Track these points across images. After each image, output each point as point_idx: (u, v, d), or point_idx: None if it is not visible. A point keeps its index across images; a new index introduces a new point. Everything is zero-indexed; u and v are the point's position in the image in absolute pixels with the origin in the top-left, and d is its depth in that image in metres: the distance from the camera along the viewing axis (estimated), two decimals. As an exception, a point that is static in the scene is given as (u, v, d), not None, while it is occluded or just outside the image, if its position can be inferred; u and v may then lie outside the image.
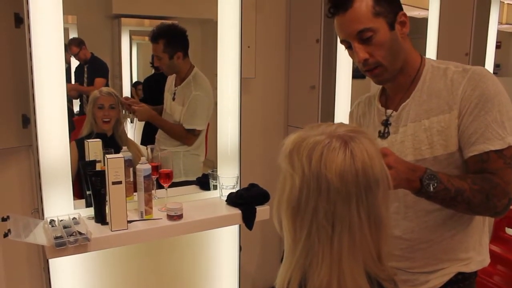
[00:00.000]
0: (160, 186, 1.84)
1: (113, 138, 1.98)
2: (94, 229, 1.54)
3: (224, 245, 2.03)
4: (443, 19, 2.84)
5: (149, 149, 1.92)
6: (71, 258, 1.60)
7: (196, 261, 1.98)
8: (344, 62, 2.32)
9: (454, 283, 1.21)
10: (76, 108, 2.06)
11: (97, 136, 1.90)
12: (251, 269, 2.71)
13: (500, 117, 1.07)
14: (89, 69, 2.05)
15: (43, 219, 1.57)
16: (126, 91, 2.12)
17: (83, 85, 2.06)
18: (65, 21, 1.56)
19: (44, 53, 1.49)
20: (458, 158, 1.13)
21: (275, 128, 2.65)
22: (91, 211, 1.63)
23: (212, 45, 1.96)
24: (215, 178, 1.95)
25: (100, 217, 1.60)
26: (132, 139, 2.10)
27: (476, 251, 1.22)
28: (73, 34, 1.96)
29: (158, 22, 2.11)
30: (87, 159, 1.74)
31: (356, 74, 2.35)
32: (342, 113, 2.36)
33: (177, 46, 2.09)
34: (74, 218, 1.57)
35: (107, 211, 1.59)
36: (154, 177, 1.78)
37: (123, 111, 2.05)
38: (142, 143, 2.13)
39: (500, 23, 3.30)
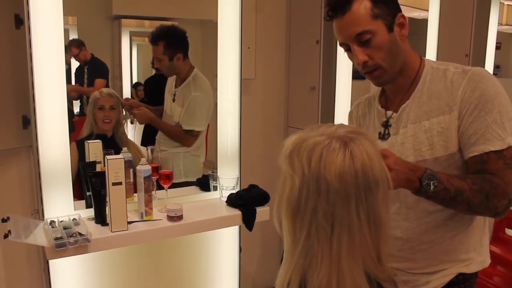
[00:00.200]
0: (160, 187, 1.84)
1: (113, 139, 1.99)
2: (94, 230, 1.54)
3: (224, 246, 2.03)
4: (443, 20, 2.84)
5: (149, 150, 1.92)
6: (71, 259, 1.60)
7: (196, 262, 1.98)
8: (344, 63, 2.32)
9: (454, 284, 1.20)
10: (76, 109, 2.06)
11: (97, 137, 1.90)
12: (251, 270, 2.71)
13: (500, 117, 1.07)
14: (89, 70, 2.06)
15: (43, 220, 1.57)
16: (126, 92, 2.13)
17: (83, 86, 2.07)
18: (65, 22, 1.56)
19: (44, 54, 1.49)
20: (459, 159, 1.13)
21: (275, 129, 2.65)
22: (91, 212, 1.63)
23: (212, 46, 1.96)
24: (215, 179, 1.95)
25: (100, 218, 1.60)
26: (133, 140, 2.10)
27: (476, 251, 1.22)
28: (73, 35, 1.96)
29: (158, 23, 2.11)
30: (87, 160, 1.74)
31: (356, 75, 2.35)
32: (342, 114, 2.36)
33: (177, 47, 2.09)
34: (74, 219, 1.57)
35: (107, 212, 1.59)
36: (154, 178, 1.78)
37: (124, 112, 2.05)
38: (142, 144, 2.13)
39: (500, 24, 3.30)
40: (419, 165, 1.08)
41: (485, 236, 1.26)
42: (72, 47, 1.98)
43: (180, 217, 1.68)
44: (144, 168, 1.63)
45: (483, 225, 1.25)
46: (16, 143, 1.84)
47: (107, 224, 1.59)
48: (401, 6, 1.17)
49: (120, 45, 2.11)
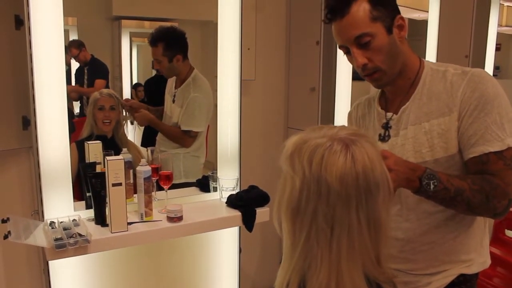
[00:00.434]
0: (160, 188, 1.84)
1: (113, 140, 1.99)
2: (94, 231, 1.54)
3: (224, 247, 2.03)
4: (443, 21, 2.84)
5: (149, 151, 1.92)
6: (71, 260, 1.59)
7: (196, 262, 1.98)
8: (344, 64, 2.32)
9: (455, 285, 1.21)
10: (76, 110, 2.06)
11: (97, 138, 1.90)
12: (251, 271, 2.71)
13: (500, 119, 1.07)
14: (89, 71, 2.06)
15: (43, 220, 1.57)
16: (126, 92, 2.13)
17: (83, 87, 2.07)
18: (65, 23, 1.56)
19: (44, 55, 1.49)
20: (459, 160, 1.13)
21: (275, 130, 2.65)
22: (91, 213, 1.63)
23: (212, 47, 1.96)
24: (215, 180, 1.95)
25: (100, 219, 1.60)
26: (133, 140, 2.10)
27: (477, 252, 1.22)
28: (73, 36, 1.96)
29: (158, 24, 2.12)
30: (87, 161, 1.74)
31: (356, 76, 2.35)
32: (342, 115, 2.36)
33: (176, 48, 2.09)
34: (74, 220, 1.57)
35: (107, 213, 1.59)
36: (154, 179, 1.78)
37: (124, 112, 2.05)
38: (142, 145, 2.13)
39: (499, 25, 3.30)
40: (419, 164, 1.08)
41: (485, 237, 1.26)
42: (72, 48, 1.98)
43: (180, 218, 1.68)
44: (144, 169, 1.63)
45: (483, 226, 1.25)
46: (16, 144, 1.84)
47: (107, 225, 1.58)
48: (401, 8, 1.17)
49: (120, 46, 2.11)
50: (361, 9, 1.09)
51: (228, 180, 1.91)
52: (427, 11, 2.85)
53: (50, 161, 1.55)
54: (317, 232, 0.78)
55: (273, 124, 2.64)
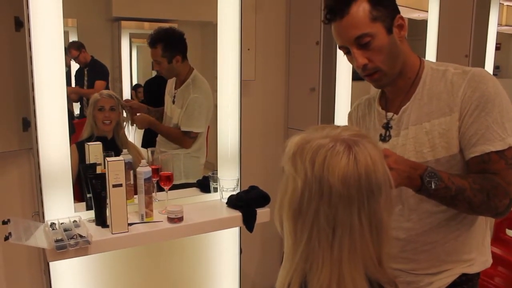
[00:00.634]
0: (160, 189, 1.84)
1: (113, 141, 1.99)
2: (94, 232, 1.54)
3: (224, 248, 2.02)
4: (443, 20, 2.84)
5: (149, 152, 1.92)
6: (71, 261, 1.59)
7: (197, 263, 1.98)
8: (344, 64, 2.32)
9: (457, 284, 1.21)
10: (76, 111, 2.06)
11: (98, 139, 1.90)
12: (252, 271, 2.71)
13: (501, 118, 1.07)
14: (89, 72, 2.06)
15: (44, 222, 1.57)
16: (126, 94, 2.13)
17: (83, 88, 2.07)
18: (65, 24, 1.56)
19: (44, 56, 1.49)
20: (460, 160, 1.13)
21: (275, 130, 2.65)
22: (91, 214, 1.63)
23: (212, 48, 1.96)
24: (216, 180, 1.95)
25: (101, 220, 1.60)
26: (133, 141, 2.10)
27: (479, 252, 1.22)
28: (73, 37, 1.96)
29: (158, 25, 2.11)
30: (87, 162, 1.74)
31: (356, 76, 2.35)
32: (342, 115, 2.36)
33: (175, 49, 2.09)
34: (74, 221, 1.57)
35: (107, 214, 1.59)
36: (154, 180, 1.78)
37: (124, 113, 2.05)
38: (142, 146, 2.13)
39: (499, 24, 3.30)
40: (420, 163, 1.08)
41: (486, 236, 1.26)
42: (72, 49, 1.98)
43: (180, 219, 1.68)
44: (144, 169, 1.63)
45: (484, 226, 1.25)
46: (16, 145, 1.84)
47: (107, 226, 1.58)
48: (401, 7, 1.17)
49: (120, 47, 2.11)
50: (361, 10, 1.09)
51: (229, 181, 1.91)
52: (427, 11, 2.85)
53: (51, 162, 1.55)
54: (318, 233, 0.78)
55: (273, 124, 2.64)
